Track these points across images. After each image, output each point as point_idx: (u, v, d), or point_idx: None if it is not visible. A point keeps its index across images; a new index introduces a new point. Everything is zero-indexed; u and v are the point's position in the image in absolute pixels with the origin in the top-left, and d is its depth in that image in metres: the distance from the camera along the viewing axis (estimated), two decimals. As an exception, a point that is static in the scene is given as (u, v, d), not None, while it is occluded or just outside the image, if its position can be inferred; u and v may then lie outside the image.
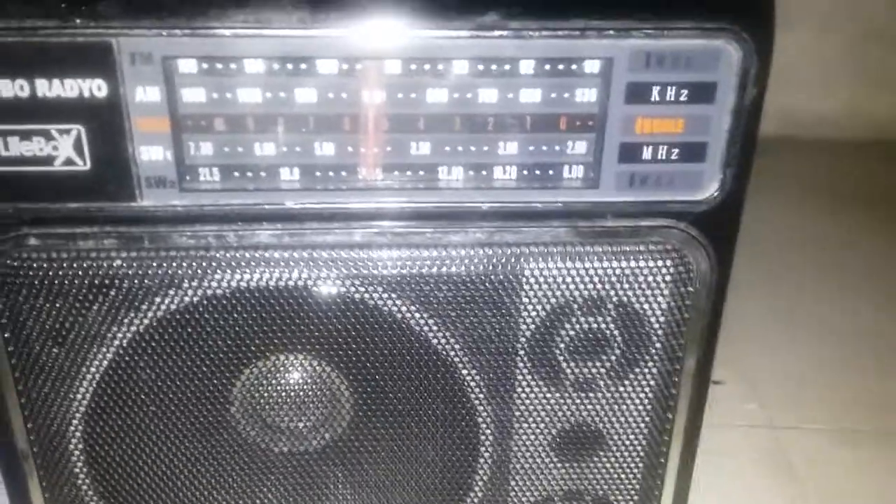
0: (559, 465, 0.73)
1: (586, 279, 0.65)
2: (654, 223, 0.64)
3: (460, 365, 0.68)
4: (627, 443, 0.73)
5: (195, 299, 0.64)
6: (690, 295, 0.66)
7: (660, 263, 0.65)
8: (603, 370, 0.69)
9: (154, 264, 0.62)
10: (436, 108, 0.59)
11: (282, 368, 0.69)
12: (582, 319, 0.67)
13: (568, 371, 0.69)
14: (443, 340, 0.66)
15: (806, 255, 1.96)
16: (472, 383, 0.69)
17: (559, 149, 0.61)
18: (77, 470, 0.70)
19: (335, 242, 0.64)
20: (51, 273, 0.62)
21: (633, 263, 0.65)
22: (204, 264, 0.63)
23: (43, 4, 0.54)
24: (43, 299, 0.63)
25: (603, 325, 0.67)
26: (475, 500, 0.74)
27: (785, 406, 1.42)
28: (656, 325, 0.67)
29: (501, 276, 0.65)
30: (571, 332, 0.67)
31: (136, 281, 0.63)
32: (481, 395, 0.69)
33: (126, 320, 0.64)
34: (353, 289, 0.64)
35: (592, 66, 0.59)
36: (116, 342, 0.65)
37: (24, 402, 0.66)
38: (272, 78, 0.58)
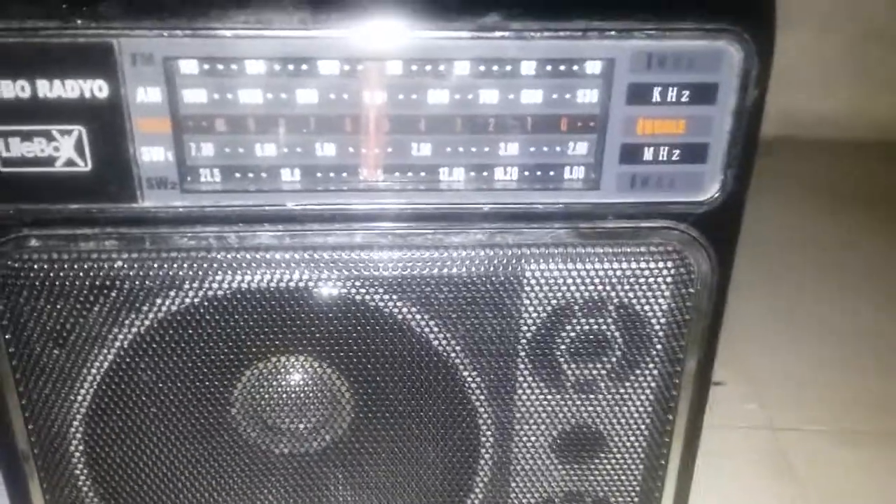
0: (560, 466, 0.73)
1: (587, 280, 0.65)
2: (655, 224, 0.64)
3: (461, 366, 0.68)
4: (628, 444, 0.72)
5: (196, 300, 0.64)
6: (691, 296, 0.66)
7: (661, 265, 0.65)
8: (604, 371, 0.69)
9: (155, 265, 0.62)
10: (437, 109, 0.59)
11: (282, 370, 0.69)
12: (583, 321, 0.67)
13: (569, 372, 0.69)
14: (443, 342, 0.66)
15: (806, 256, 1.96)
16: (473, 385, 0.68)
17: (560, 150, 0.61)
18: (78, 471, 0.70)
19: (336, 244, 0.63)
20: (52, 274, 0.62)
21: (633, 265, 0.65)
22: (205, 265, 0.63)
23: (44, 5, 0.54)
24: (44, 300, 0.63)
25: (604, 327, 0.67)
26: (475, 501, 0.74)
27: (785, 407, 1.42)
28: (657, 327, 0.67)
29: (502, 278, 0.65)
30: (572, 334, 0.67)
31: (136, 282, 0.63)
32: (482, 397, 0.69)
33: (127, 321, 0.64)
34: (353, 290, 0.64)
35: (594, 67, 0.59)
36: (117, 343, 0.65)
37: (24, 404, 0.66)
38: (273, 79, 0.58)
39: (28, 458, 0.69)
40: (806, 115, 2.68)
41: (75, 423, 0.68)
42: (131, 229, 0.62)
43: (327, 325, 0.66)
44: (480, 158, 0.61)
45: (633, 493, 0.75)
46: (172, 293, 0.63)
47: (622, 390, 0.70)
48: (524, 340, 0.67)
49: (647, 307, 0.66)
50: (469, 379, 0.68)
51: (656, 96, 0.59)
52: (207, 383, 0.67)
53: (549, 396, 0.70)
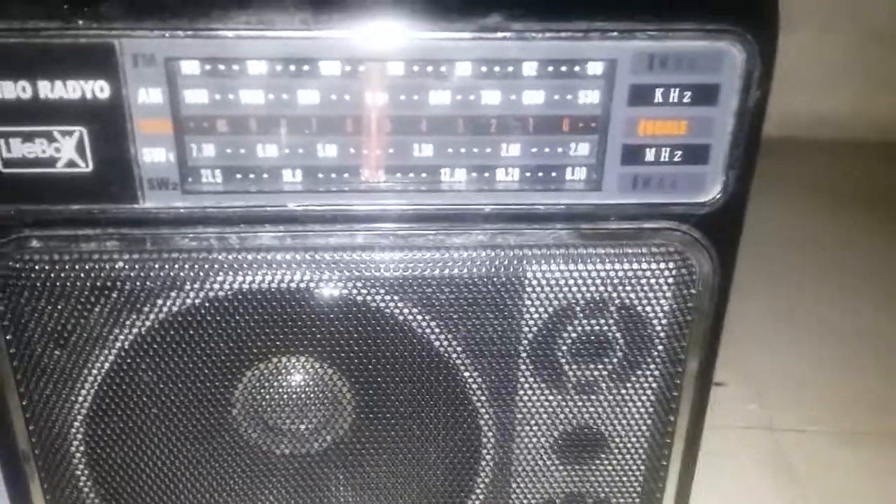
0: (561, 467, 0.73)
1: (588, 281, 0.65)
2: (657, 225, 0.64)
3: (462, 367, 0.68)
4: (629, 445, 0.72)
5: (197, 301, 0.64)
6: (693, 297, 0.66)
7: (662, 266, 0.65)
8: (605, 372, 0.69)
9: (156, 266, 0.62)
10: (438, 110, 0.59)
11: (283, 371, 0.68)
12: (584, 322, 0.67)
13: (570, 373, 0.69)
14: (445, 343, 0.66)
15: (806, 256, 1.96)
16: (474, 385, 0.68)
17: (562, 151, 0.61)
18: (78, 472, 0.70)
19: (337, 245, 0.63)
20: (52, 275, 0.62)
21: (635, 266, 0.65)
22: (206, 266, 0.63)
23: (45, 5, 0.54)
24: (45, 301, 0.63)
25: (605, 328, 0.67)
26: (477, 502, 0.74)
27: (786, 407, 1.41)
28: (658, 328, 0.67)
29: (504, 279, 0.65)
30: (573, 335, 0.67)
31: (137, 283, 0.63)
32: (483, 398, 0.69)
33: (128, 322, 0.64)
34: (355, 291, 0.64)
35: (595, 68, 0.58)
36: (118, 344, 0.65)
37: (25, 404, 0.66)
38: (274, 79, 0.58)
39: (29, 458, 0.69)
40: (806, 115, 2.68)
41: (76, 424, 0.68)
42: (132, 230, 0.61)
43: (328, 326, 0.66)
44: (482, 159, 0.61)
45: (634, 494, 0.75)
46: (173, 294, 0.63)
47: (623, 391, 0.70)
48: (525, 341, 0.67)
49: (648, 308, 0.66)
50: (470, 380, 0.68)
51: (658, 97, 0.59)
52: (208, 384, 0.67)
53: (550, 397, 0.70)
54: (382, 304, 0.65)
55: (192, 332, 0.65)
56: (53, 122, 0.57)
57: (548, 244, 0.64)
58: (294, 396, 0.69)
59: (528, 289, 0.65)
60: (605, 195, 0.62)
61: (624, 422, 0.71)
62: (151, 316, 0.64)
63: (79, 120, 0.57)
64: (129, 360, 0.65)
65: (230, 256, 0.63)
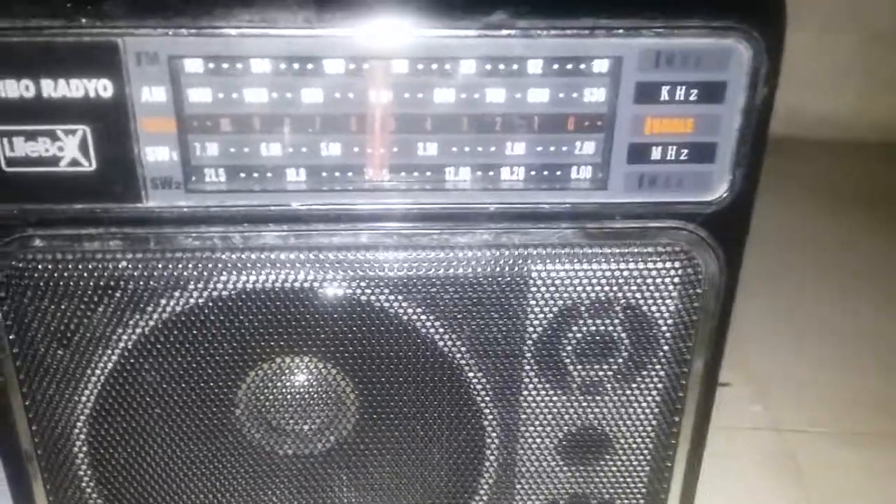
0: (565, 468, 0.73)
1: (594, 281, 0.65)
2: (663, 224, 0.64)
3: (466, 367, 0.67)
4: (634, 446, 0.72)
5: (200, 301, 0.63)
6: (699, 297, 0.66)
7: (668, 265, 0.65)
8: (610, 373, 0.69)
9: (159, 266, 0.62)
10: (443, 109, 0.59)
11: (287, 371, 0.68)
12: (589, 321, 0.66)
13: (575, 374, 0.68)
14: (449, 343, 0.66)
15: (806, 256, 1.96)
16: (479, 386, 0.68)
17: (567, 149, 0.61)
18: (81, 472, 0.70)
19: (341, 244, 0.63)
20: (56, 274, 0.62)
21: (641, 265, 0.64)
22: (209, 266, 0.63)
23: (48, 4, 0.54)
24: (48, 301, 0.62)
25: (610, 328, 0.67)
26: (481, 503, 0.74)
27: (789, 408, 1.41)
28: (664, 328, 0.67)
29: (508, 278, 0.64)
30: (578, 335, 0.67)
31: (141, 282, 0.62)
32: (487, 398, 0.69)
33: (131, 322, 0.64)
34: (358, 291, 0.64)
35: (601, 66, 0.58)
36: (122, 344, 0.64)
37: (28, 404, 0.66)
38: (278, 78, 0.57)
39: (31, 458, 0.68)
40: (807, 115, 2.68)
41: (79, 424, 0.67)
42: (136, 229, 0.61)
43: (332, 326, 0.65)
44: (487, 158, 0.61)
45: (638, 495, 0.75)
46: (177, 293, 0.63)
47: (629, 391, 0.70)
48: (530, 341, 0.67)
49: (654, 308, 0.66)
50: (475, 380, 0.68)
51: (664, 95, 0.59)
52: (212, 384, 0.67)
53: (555, 398, 0.69)
54: (386, 304, 0.65)
55: (195, 332, 0.65)
56: (56, 120, 0.57)
57: (553, 243, 0.64)
58: (297, 397, 0.69)
59: (533, 288, 0.65)
60: (610, 194, 0.62)
61: (629, 422, 0.71)
62: (155, 316, 0.64)
63: (82, 119, 0.57)
64: (132, 360, 0.65)
65: (234, 256, 0.63)
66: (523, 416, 0.70)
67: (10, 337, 0.63)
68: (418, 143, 0.60)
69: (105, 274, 0.62)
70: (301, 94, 0.58)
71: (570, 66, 0.58)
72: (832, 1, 2.76)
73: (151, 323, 0.64)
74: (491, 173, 0.61)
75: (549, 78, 0.58)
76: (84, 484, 0.70)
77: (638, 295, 0.66)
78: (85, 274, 0.62)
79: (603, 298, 0.65)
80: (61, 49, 0.55)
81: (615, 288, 0.65)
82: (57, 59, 0.55)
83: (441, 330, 0.66)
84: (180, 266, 0.62)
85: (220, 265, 0.63)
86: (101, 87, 0.56)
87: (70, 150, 0.58)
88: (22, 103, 0.56)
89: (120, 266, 0.62)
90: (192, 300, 0.63)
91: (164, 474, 0.71)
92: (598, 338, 0.67)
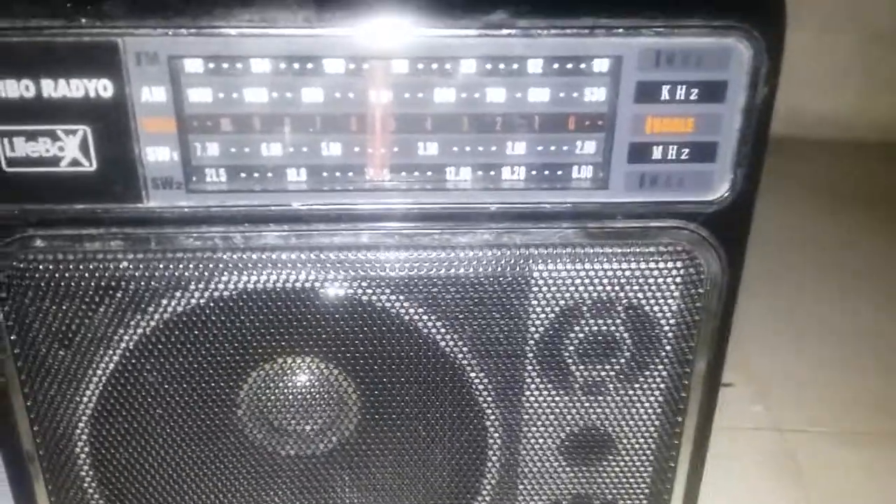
0: (568, 468, 0.73)
1: (595, 281, 0.65)
2: (664, 224, 0.63)
3: (468, 367, 0.67)
4: (637, 446, 0.72)
5: (202, 301, 0.63)
6: (701, 296, 0.66)
7: (670, 265, 0.64)
8: (612, 373, 0.69)
9: (160, 266, 0.62)
10: (443, 108, 0.59)
11: (289, 371, 0.68)
12: (591, 321, 0.66)
13: (577, 374, 0.68)
14: (450, 343, 0.66)
15: (806, 256, 1.96)
16: (481, 386, 0.68)
17: (568, 149, 0.61)
18: (83, 472, 0.70)
19: (342, 244, 0.63)
20: (57, 275, 0.62)
21: (642, 265, 0.64)
22: (210, 266, 0.63)
23: (48, 4, 0.54)
24: (49, 301, 0.62)
25: (612, 328, 0.67)
26: (483, 503, 0.74)
27: (790, 408, 1.41)
28: (666, 328, 0.67)
29: (510, 278, 0.64)
30: (580, 335, 0.67)
31: (142, 283, 0.62)
32: (489, 398, 0.69)
33: (132, 322, 0.64)
34: (360, 291, 0.64)
35: (601, 65, 0.58)
36: (123, 344, 0.64)
37: (30, 405, 0.66)
38: (278, 78, 0.57)
39: (33, 459, 0.68)
40: (807, 115, 2.68)
41: (81, 425, 0.67)
42: (136, 229, 0.61)
43: (333, 326, 0.65)
44: (487, 158, 0.61)
45: (641, 496, 0.75)
46: (178, 294, 0.63)
47: (631, 392, 0.70)
48: (532, 341, 0.67)
49: (656, 308, 0.66)
50: (476, 380, 0.68)
51: (665, 94, 0.59)
52: (213, 384, 0.67)
53: (557, 398, 0.69)
54: (388, 304, 0.64)
55: (196, 332, 0.65)
56: (57, 120, 0.57)
57: (554, 243, 0.64)
58: (299, 397, 0.69)
59: (535, 288, 0.65)
60: (611, 193, 0.62)
61: (631, 423, 0.71)
62: (156, 316, 0.64)
63: (82, 119, 0.57)
64: (133, 361, 0.65)
65: (235, 256, 0.63)
66: (525, 417, 0.70)
67: (12, 337, 0.63)
68: (419, 142, 0.60)
69: (106, 274, 0.62)
70: (301, 94, 0.58)
71: (570, 66, 0.58)
72: (832, 1, 2.76)
73: (153, 323, 0.64)
74: (492, 173, 0.61)
75: (550, 77, 0.58)
76: (86, 484, 0.70)
77: (640, 295, 0.65)
78: (86, 274, 0.62)
79: (605, 298, 0.65)
80: (61, 49, 0.55)
81: (617, 288, 0.65)
82: (57, 59, 0.55)
83: (443, 330, 0.66)
84: (181, 266, 0.62)
85: (221, 265, 0.63)
86: (102, 87, 0.56)
87: (70, 150, 0.58)
88: (22, 103, 0.56)
89: (121, 266, 0.62)
90: (193, 300, 0.63)
91: (165, 475, 0.71)
92: (600, 338, 0.67)
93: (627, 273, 0.65)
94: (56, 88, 0.56)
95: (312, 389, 0.69)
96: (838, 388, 1.47)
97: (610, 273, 0.64)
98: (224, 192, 0.61)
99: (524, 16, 0.56)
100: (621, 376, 0.69)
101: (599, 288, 0.65)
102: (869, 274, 1.89)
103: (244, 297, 0.64)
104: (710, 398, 0.70)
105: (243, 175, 0.60)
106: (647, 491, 0.74)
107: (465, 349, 0.66)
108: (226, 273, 0.63)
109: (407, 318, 0.65)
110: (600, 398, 0.70)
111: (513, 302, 0.65)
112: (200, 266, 0.62)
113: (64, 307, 0.63)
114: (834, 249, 2.01)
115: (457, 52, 0.57)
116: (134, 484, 0.71)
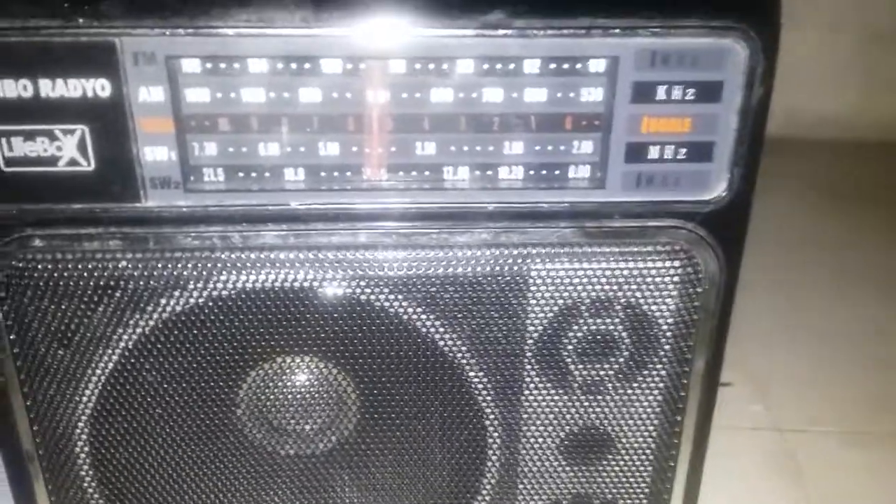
0: (567, 468, 0.73)
1: (594, 280, 0.65)
2: (662, 223, 0.64)
3: (467, 367, 0.67)
4: (636, 445, 0.72)
5: (200, 301, 0.63)
6: (699, 296, 0.66)
7: (668, 264, 0.64)
8: (611, 372, 0.69)
9: (159, 265, 0.62)
10: (441, 108, 0.59)
11: (288, 370, 0.68)
12: (589, 321, 0.66)
13: (576, 373, 0.68)
14: (449, 342, 0.66)
15: (806, 256, 1.96)
16: (480, 385, 0.68)
17: (565, 148, 0.61)
18: (83, 472, 0.70)
19: (340, 243, 0.63)
20: (56, 274, 0.62)
21: (640, 264, 0.64)
22: (209, 265, 0.63)
23: (46, 4, 0.54)
24: (48, 301, 0.62)
25: (611, 327, 0.67)
26: (483, 503, 0.74)
27: (790, 407, 1.41)
28: (665, 327, 0.67)
29: (508, 277, 0.64)
30: (579, 334, 0.67)
31: (141, 282, 0.62)
32: (489, 398, 0.69)
33: (131, 322, 0.64)
34: (358, 290, 0.64)
35: (598, 66, 0.58)
36: (122, 344, 0.65)
37: (29, 404, 0.66)
38: (276, 77, 0.57)
39: (33, 458, 0.69)
40: (807, 115, 2.68)
41: (80, 424, 0.67)
42: (135, 229, 0.61)
43: (332, 326, 0.65)
44: (485, 157, 0.61)
45: (641, 495, 0.75)
46: (177, 293, 0.63)
47: (630, 391, 0.70)
48: (531, 340, 0.67)
49: (654, 307, 0.66)
50: (475, 379, 0.68)
51: (661, 94, 0.59)
52: (212, 384, 0.67)
53: (556, 397, 0.69)
54: (386, 304, 0.65)
55: (195, 331, 0.65)
56: (55, 120, 0.57)
57: (552, 242, 0.64)
58: (298, 396, 0.69)
59: (533, 287, 0.65)
60: (608, 193, 0.62)
61: (630, 422, 0.71)
62: (155, 315, 0.64)
63: (80, 118, 0.57)
64: (132, 360, 0.65)
65: (233, 255, 0.63)
66: (525, 416, 0.70)
67: (11, 337, 0.64)
68: (416, 142, 0.60)
69: (105, 274, 0.62)
70: (299, 94, 0.58)
71: (566, 66, 0.58)
72: (832, 1, 2.76)
73: (151, 323, 0.64)
74: (489, 173, 0.61)
75: (547, 77, 0.58)
76: (86, 484, 0.70)
77: (638, 294, 0.65)
78: (85, 274, 0.62)
79: (603, 298, 0.65)
80: (59, 49, 0.55)
81: (615, 287, 0.65)
82: (54, 59, 0.55)
83: (441, 329, 0.66)
84: (180, 266, 0.62)
85: (219, 265, 0.63)
86: (99, 87, 0.56)
87: (69, 149, 0.58)
88: (20, 103, 0.56)
89: (120, 266, 0.62)
90: (192, 300, 0.63)
91: (165, 474, 0.71)
92: (598, 337, 0.67)
93: (625, 272, 0.65)
94: (54, 88, 0.56)
95: (311, 389, 0.69)
96: (838, 388, 1.47)
97: (608, 272, 0.65)
98: (222, 192, 0.61)
99: (521, 16, 0.56)
100: (620, 375, 0.69)
101: (598, 287, 0.65)
102: (869, 274, 1.90)
103: (243, 296, 0.64)
104: (708, 397, 0.70)
105: (241, 175, 0.60)
106: (646, 490, 0.74)
107: (463, 348, 0.66)
108: (224, 272, 0.63)
109: (405, 317, 0.65)
110: (599, 397, 0.70)
111: (511, 301, 0.65)
112: (199, 265, 0.63)
113: (63, 307, 0.63)
114: (834, 249, 2.01)
115: (454, 52, 0.57)
116: (134, 483, 0.71)
